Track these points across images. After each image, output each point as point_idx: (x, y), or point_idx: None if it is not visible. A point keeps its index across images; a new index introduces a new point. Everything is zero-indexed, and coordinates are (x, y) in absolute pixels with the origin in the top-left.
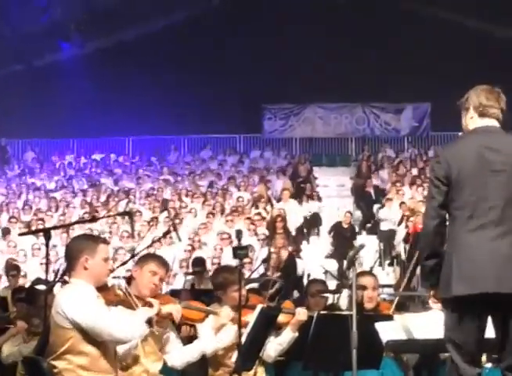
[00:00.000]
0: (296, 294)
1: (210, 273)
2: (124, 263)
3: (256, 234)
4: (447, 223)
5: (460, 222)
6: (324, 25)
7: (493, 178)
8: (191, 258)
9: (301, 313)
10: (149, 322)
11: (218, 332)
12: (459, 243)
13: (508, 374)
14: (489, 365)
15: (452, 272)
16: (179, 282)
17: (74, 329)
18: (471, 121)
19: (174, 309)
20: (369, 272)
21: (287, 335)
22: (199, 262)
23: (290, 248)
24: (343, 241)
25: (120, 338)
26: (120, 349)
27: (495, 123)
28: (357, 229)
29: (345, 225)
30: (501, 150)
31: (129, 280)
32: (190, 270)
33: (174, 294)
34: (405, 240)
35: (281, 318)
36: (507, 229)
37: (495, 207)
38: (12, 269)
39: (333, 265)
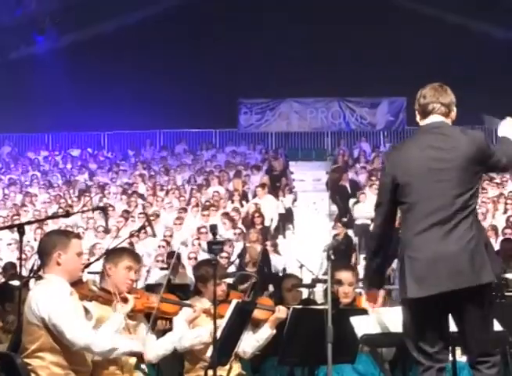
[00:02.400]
0: (271, 288)
1: (188, 268)
2: (99, 258)
3: (233, 228)
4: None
5: (409, 225)
6: (300, 20)
7: (437, 177)
8: (166, 253)
9: (282, 311)
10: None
11: (191, 324)
12: (410, 245)
13: (478, 366)
14: (464, 358)
15: (405, 274)
16: (154, 277)
17: (43, 326)
18: (419, 122)
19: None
20: (347, 267)
21: (265, 332)
22: (173, 255)
23: (267, 243)
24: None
25: (78, 344)
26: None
27: (439, 118)
28: (332, 223)
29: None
30: (443, 147)
31: (102, 274)
32: (165, 265)
33: (150, 288)
34: None
35: (259, 314)
36: (453, 226)
37: (441, 206)
38: None
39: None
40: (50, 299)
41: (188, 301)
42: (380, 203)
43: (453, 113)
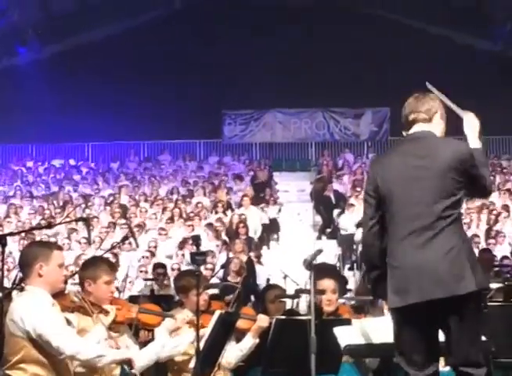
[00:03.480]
0: (253, 299)
1: (171, 279)
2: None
3: (217, 239)
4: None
5: (391, 233)
6: (284, 31)
7: (418, 185)
8: (150, 263)
9: (263, 319)
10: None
11: (173, 335)
12: (391, 254)
13: (464, 369)
14: (447, 368)
15: (388, 283)
16: (137, 288)
17: (27, 338)
18: (405, 131)
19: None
20: (329, 275)
21: (248, 341)
22: (159, 268)
23: (251, 254)
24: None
25: (65, 353)
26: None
27: (421, 127)
28: (316, 234)
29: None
30: (424, 156)
31: (82, 287)
32: (149, 276)
33: (133, 299)
34: None
35: (242, 324)
36: (433, 235)
37: (421, 214)
38: None
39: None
40: (34, 311)
41: (170, 313)
42: (366, 215)
43: (437, 118)
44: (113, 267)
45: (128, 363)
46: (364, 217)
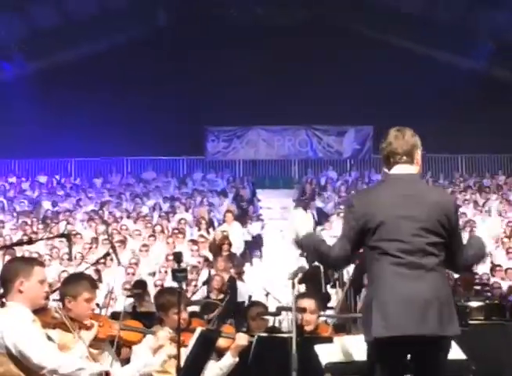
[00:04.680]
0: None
1: (153, 296)
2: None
3: (199, 256)
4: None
5: (381, 266)
6: (268, 48)
7: (410, 225)
8: (132, 280)
9: (241, 338)
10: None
11: (155, 353)
12: (379, 286)
13: None
14: None
15: (371, 314)
16: (120, 304)
17: (6, 354)
18: (386, 168)
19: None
20: (309, 295)
21: (227, 360)
22: (139, 285)
23: (232, 271)
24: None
25: (46, 367)
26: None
27: (406, 169)
28: (299, 251)
29: None
30: (415, 198)
31: (63, 303)
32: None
33: (115, 316)
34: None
35: (222, 342)
36: (424, 272)
37: (414, 252)
38: None
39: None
40: (14, 327)
41: (151, 329)
42: (344, 242)
43: (418, 157)
44: (94, 284)
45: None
46: (342, 241)
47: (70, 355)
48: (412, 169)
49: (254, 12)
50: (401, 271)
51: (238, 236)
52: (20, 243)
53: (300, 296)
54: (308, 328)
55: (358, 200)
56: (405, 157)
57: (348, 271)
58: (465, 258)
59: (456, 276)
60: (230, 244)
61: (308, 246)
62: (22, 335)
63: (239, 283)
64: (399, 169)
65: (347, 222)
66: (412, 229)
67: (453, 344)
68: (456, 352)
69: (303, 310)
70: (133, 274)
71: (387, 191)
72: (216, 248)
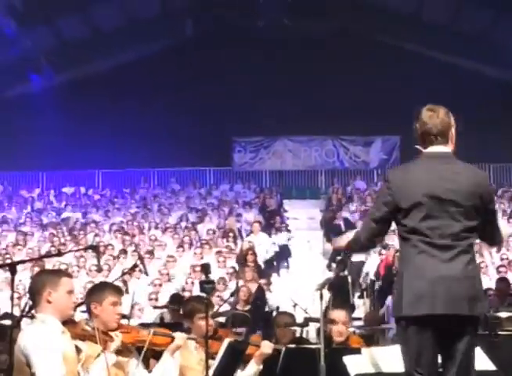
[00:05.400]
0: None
1: None
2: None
3: (225, 267)
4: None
5: (413, 245)
6: (295, 60)
7: (445, 206)
8: (160, 291)
9: (266, 346)
10: None
11: (173, 354)
12: (411, 264)
13: None
14: None
15: (402, 292)
16: (147, 315)
17: (26, 364)
18: (421, 146)
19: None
20: (341, 306)
21: (252, 368)
22: (176, 299)
23: (260, 281)
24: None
25: None
26: None
27: (443, 148)
28: (326, 262)
29: None
30: (452, 179)
31: (89, 314)
32: (159, 304)
33: (144, 327)
34: (377, 274)
35: (247, 350)
36: (456, 253)
37: (447, 233)
38: None
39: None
40: (34, 339)
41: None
42: (376, 218)
43: (452, 137)
44: (118, 290)
45: None
46: (373, 219)
47: (93, 369)
48: (447, 148)
49: (281, 24)
50: (432, 252)
51: (264, 246)
52: (49, 255)
53: (331, 307)
54: (339, 339)
55: (395, 176)
56: (439, 137)
57: (376, 281)
58: (498, 233)
59: (491, 286)
60: (255, 255)
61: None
62: (37, 348)
63: (267, 294)
64: (434, 148)
65: (382, 195)
66: (447, 212)
67: (482, 354)
68: (485, 363)
69: (335, 322)
70: (160, 285)
71: (423, 171)
72: (243, 259)
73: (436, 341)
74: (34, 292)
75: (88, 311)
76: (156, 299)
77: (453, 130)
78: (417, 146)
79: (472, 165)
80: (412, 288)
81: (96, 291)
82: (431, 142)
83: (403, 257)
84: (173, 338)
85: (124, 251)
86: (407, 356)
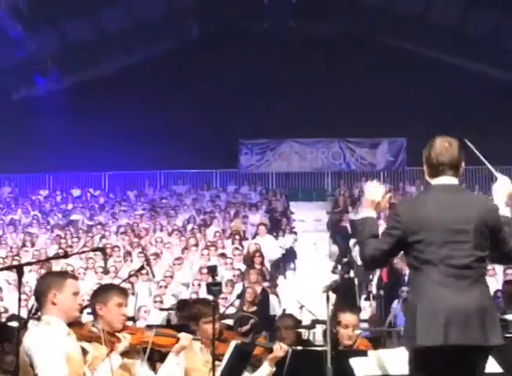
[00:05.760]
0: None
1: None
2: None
3: (233, 268)
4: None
5: (424, 275)
6: (301, 61)
7: (456, 237)
8: (165, 293)
9: (280, 349)
10: None
11: (178, 354)
12: (424, 296)
13: None
14: None
15: (416, 322)
16: (152, 317)
17: (31, 366)
18: (430, 176)
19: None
20: (352, 310)
21: (265, 370)
22: (182, 305)
23: (265, 284)
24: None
25: None
26: None
27: (452, 180)
28: (333, 264)
29: None
30: (462, 210)
31: (95, 315)
32: (164, 306)
33: (150, 329)
34: (380, 281)
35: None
36: (469, 284)
37: (459, 264)
38: None
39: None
40: (38, 339)
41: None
42: (380, 242)
43: (462, 169)
44: (124, 291)
45: None
46: (377, 248)
47: (99, 371)
48: (456, 180)
49: (286, 25)
50: (446, 282)
51: (271, 248)
52: (56, 257)
53: (341, 310)
54: (347, 343)
55: (404, 208)
56: (452, 169)
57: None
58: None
59: (497, 288)
60: (262, 257)
61: (362, 229)
62: (40, 349)
63: (273, 297)
64: (444, 180)
65: (391, 228)
66: (459, 242)
67: (489, 357)
68: (492, 366)
69: (345, 326)
70: (165, 287)
71: (433, 202)
72: (249, 261)
73: (447, 371)
74: (40, 294)
75: (93, 312)
76: (161, 301)
77: (463, 164)
78: (427, 178)
79: (482, 195)
80: (425, 319)
81: (102, 292)
82: (442, 173)
83: (415, 288)
84: (178, 339)
85: (128, 254)
86: None
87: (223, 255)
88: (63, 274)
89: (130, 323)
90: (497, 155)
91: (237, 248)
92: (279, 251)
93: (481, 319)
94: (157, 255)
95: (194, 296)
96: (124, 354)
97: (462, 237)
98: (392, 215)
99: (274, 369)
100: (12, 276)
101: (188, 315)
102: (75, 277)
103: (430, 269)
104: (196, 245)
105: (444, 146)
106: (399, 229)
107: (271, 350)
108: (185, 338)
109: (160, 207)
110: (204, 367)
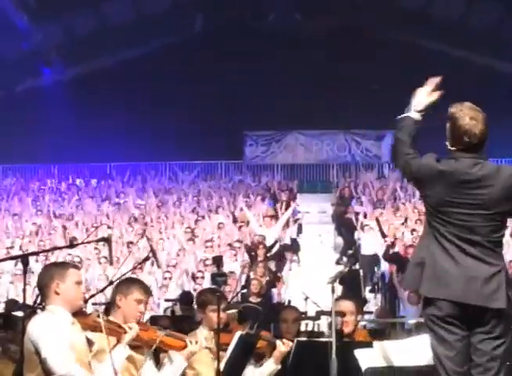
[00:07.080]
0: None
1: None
2: (101, 290)
3: (237, 260)
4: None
5: (440, 231)
6: (306, 54)
7: (474, 211)
8: (169, 284)
9: (283, 345)
10: None
11: (187, 360)
12: (437, 251)
13: None
14: None
15: (423, 272)
16: (156, 308)
17: (37, 354)
18: (455, 146)
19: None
20: (347, 297)
21: (270, 367)
22: (186, 297)
23: (271, 276)
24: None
25: (57, 372)
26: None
27: (478, 153)
28: (337, 256)
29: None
30: (483, 181)
31: (112, 304)
32: (170, 297)
33: (154, 320)
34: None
35: (258, 344)
36: (486, 249)
37: (475, 230)
38: None
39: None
40: (43, 327)
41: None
42: (409, 157)
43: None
44: (147, 289)
45: None
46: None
47: (106, 362)
48: (483, 152)
49: (292, 18)
50: (462, 245)
51: (275, 240)
52: (61, 247)
53: (338, 299)
54: (346, 330)
55: (429, 166)
56: (480, 145)
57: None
58: None
59: None
60: (266, 248)
61: (403, 127)
62: (45, 336)
63: (278, 288)
64: (472, 153)
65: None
66: (477, 216)
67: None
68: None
69: (342, 313)
70: (170, 278)
71: (458, 171)
72: (254, 252)
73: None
74: (43, 285)
75: (113, 301)
76: (166, 292)
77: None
78: (450, 147)
79: (503, 165)
80: (431, 273)
81: (125, 284)
82: (471, 146)
83: (427, 242)
84: (186, 343)
85: (132, 243)
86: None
87: (230, 246)
88: (65, 264)
89: None
90: (505, 148)
91: (241, 240)
92: (284, 242)
93: (487, 283)
94: (162, 246)
95: (198, 287)
96: (135, 348)
97: (481, 211)
98: (431, 161)
99: (279, 366)
100: (18, 266)
101: (196, 303)
102: (77, 267)
103: (448, 227)
104: (201, 236)
105: (470, 116)
106: (422, 180)
107: (274, 346)
108: (194, 345)
109: (165, 198)
110: (207, 357)
